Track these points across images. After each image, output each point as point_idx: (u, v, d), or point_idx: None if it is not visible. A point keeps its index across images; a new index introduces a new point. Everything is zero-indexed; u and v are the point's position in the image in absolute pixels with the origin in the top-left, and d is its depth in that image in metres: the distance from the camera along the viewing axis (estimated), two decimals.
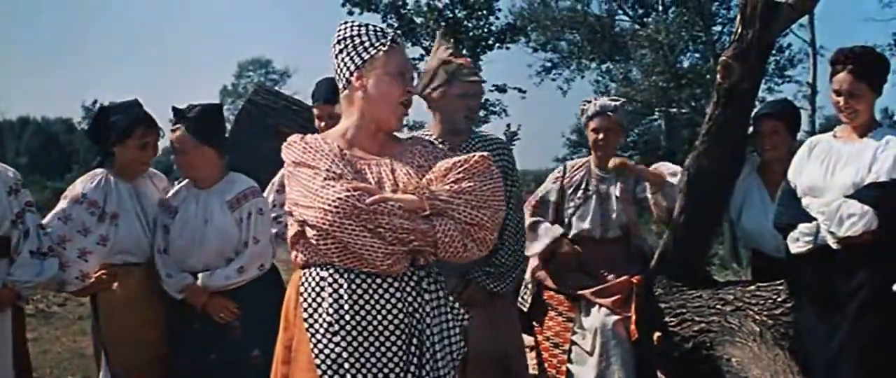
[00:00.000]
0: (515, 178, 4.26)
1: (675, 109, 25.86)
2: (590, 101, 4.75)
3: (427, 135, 4.04)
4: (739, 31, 4.12)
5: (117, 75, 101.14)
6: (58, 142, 54.20)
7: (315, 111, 4.56)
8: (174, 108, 4.05)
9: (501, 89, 25.67)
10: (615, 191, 4.71)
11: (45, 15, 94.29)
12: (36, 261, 3.73)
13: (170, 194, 4.16)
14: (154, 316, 4.07)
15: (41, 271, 3.73)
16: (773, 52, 27.29)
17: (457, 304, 2.93)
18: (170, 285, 4.00)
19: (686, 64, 26.03)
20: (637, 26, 27.65)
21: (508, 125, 25.61)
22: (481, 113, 25.45)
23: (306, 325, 2.76)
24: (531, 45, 28.23)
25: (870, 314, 3.72)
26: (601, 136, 4.69)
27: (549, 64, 29.47)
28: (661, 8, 26.65)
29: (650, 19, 26.92)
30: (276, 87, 60.56)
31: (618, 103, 4.71)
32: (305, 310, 2.78)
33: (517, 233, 4.23)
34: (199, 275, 3.96)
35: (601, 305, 4.49)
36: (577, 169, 4.87)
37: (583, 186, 4.78)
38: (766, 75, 27.12)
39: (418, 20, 23.15)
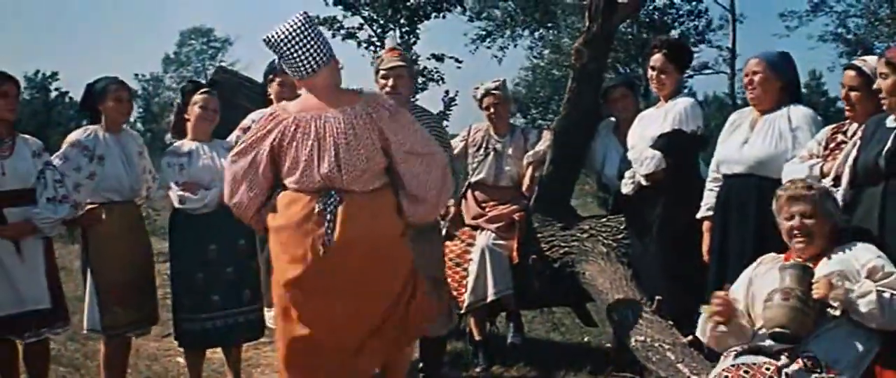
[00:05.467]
0: (448, 146, 5.34)
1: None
2: (478, 87, 6.09)
3: None
4: (587, 24, 5.44)
5: (59, 45, 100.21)
6: None
7: (278, 79, 5.61)
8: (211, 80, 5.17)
9: (439, 58, 26.66)
10: (509, 149, 6.02)
11: None
12: (52, 205, 4.83)
13: (177, 146, 5.25)
14: (132, 245, 5.15)
15: (56, 211, 4.84)
16: (693, 17, 28.82)
17: None
18: (201, 200, 5.05)
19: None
20: None
21: (446, 92, 26.68)
22: (420, 80, 26.60)
23: None
24: (467, 14, 29.23)
25: (667, 230, 5.06)
26: (493, 110, 6.04)
27: (484, 32, 30.50)
28: None
29: None
30: (218, 55, 60.98)
31: (500, 82, 6.02)
32: None
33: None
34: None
35: (488, 229, 5.83)
36: (479, 131, 6.16)
37: (484, 146, 6.08)
38: (688, 39, 28.61)
39: None
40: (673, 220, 5.01)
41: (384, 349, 4.05)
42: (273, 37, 3.87)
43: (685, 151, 5.05)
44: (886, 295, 3.48)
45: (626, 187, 5.25)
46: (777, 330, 3.48)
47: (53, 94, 52.98)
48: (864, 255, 3.64)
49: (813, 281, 3.56)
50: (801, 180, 3.94)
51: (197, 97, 5.25)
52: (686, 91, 5.96)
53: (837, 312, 3.51)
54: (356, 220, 3.79)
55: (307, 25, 3.86)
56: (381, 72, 5.08)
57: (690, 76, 28.80)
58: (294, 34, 3.83)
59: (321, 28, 3.93)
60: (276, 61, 5.54)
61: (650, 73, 5.28)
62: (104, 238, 5.05)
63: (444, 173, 4.03)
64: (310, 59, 3.84)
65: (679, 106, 5.10)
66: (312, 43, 3.84)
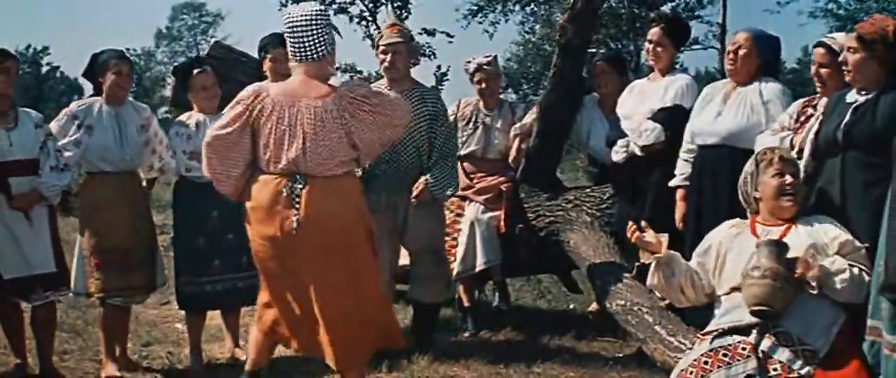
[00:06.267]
0: (446, 119, 5.61)
1: (593, 49, 27.23)
2: (469, 61, 6.25)
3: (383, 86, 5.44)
4: (571, 1, 5.62)
5: (50, 19, 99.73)
6: None
7: (270, 56, 5.66)
8: (199, 58, 5.40)
9: (430, 33, 26.77)
10: (497, 123, 6.22)
11: None
12: (55, 173, 5.01)
13: (184, 118, 5.44)
14: (122, 215, 5.22)
15: (59, 179, 5.03)
16: None
17: None
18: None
19: (604, 6, 27.30)
20: None
21: (438, 66, 26.82)
22: None
23: None
24: None
25: (661, 199, 5.24)
26: (484, 85, 6.21)
27: (475, 7, 30.49)
28: None
29: None
30: (210, 29, 60.95)
31: (491, 58, 6.20)
32: None
33: (452, 156, 5.61)
34: None
35: (476, 201, 6.06)
36: (468, 105, 6.35)
37: (473, 120, 6.27)
38: (679, 14, 28.72)
39: None
40: (668, 190, 5.19)
41: (368, 341, 4.35)
42: (289, 15, 4.19)
43: (682, 126, 5.17)
44: (856, 270, 3.70)
45: (618, 155, 5.47)
46: (760, 307, 3.65)
47: (45, 68, 53.08)
48: (831, 229, 3.85)
49: (789, 257, 3.73)
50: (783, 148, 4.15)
51: (195, 80, 5.43)
52: (679, 67, 6.25)
53: (815, 291, 3.69)
54: (320, 203, 4.08)
55: (321, 17, 4.18)
56: (381, 47, 5.30)
57: (681, 51, 28.87)
58: (307, 19, 4.14)
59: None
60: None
61: (647, 46, 5.48)
62: (92, 206, 5.22)
63: None
64: (310, 47, 4.16)
65: (680, 82, 5.33)
66: (319, 34, 4.15)
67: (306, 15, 4.14)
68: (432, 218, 5.49)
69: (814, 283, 3.69)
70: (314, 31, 4.14)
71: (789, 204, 3.96)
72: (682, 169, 5.07)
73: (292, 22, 4.15)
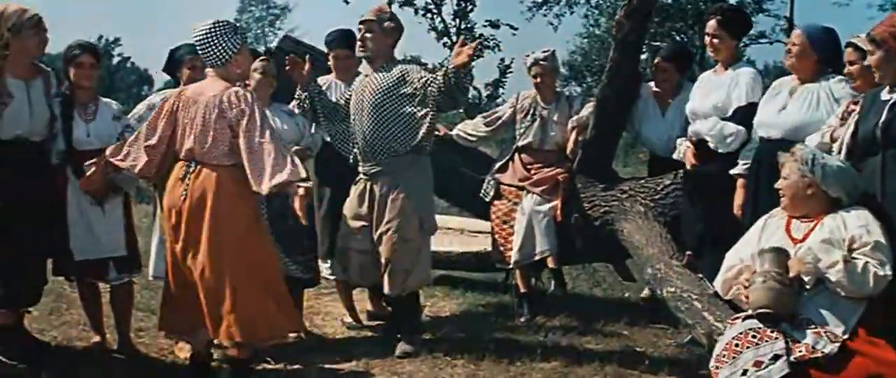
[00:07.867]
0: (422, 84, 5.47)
1: (658, 43, 27.08)
2: (528, 55, 6.45)
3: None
4: None
5: (121, 10, 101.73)
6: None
7: (335, 53, 6.18)
8: (267, 49, 5.75)
9: (494, 25, 26.76)
10: (554, 116, 6.41)
11: None
12: None
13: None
14: None
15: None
16: None
17: None
18: None
19: None
20: None
21: (502, 59, 26.91)
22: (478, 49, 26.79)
23: None
24: None
25: (721, 195, 5.27)
26: (539, 79, 6.41)
27: (540, 0, 30.48)
28: None
29: None
30: (277, 22, 61.68)
31: (548, 53, 6.38)
32: None
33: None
34: None
35: (533, 192, 6.25)
36: (526, 98, 6.55)
37: (531, 112, 6.47)
38: (745, 8, 28.37)
39: None
40: (727, 186, 5.28)
41: (241, 321, 4.66)
42: (193, 30, 4.81)
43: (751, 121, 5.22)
44: (859, 263, 3.75)
45: (679, 153, 5.63)
46: (761, 310, 3.78)
47: (116, 59, 54.24)
48: (852, 224, 3.89)
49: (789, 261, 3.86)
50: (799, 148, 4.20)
51: (256, 64, 5.70)
52: (746, 60, 6.28)
53: (809, 287, 3.81)
54: (202, 184, 4.68)
55: (216, 28, 4.75)
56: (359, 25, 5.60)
57: (747, 45, 28.46)
58: (206, 33, 4.74)
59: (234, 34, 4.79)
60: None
61: (707, 39, 5.57)
62: None
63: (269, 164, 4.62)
64: (213, 55, 4.75)
65: (746, 76, 5.37)
66: (217, 44, 4.74)
67: (205, 29, 4.75)
68: (399, 208, 5.50)
69: (806, 278, 3.80)
70: (213, 41, 4.72)
71: (784, 204, 4.12)
72: (745, 158, 5.15)
73: (196, 36, 4.77)
